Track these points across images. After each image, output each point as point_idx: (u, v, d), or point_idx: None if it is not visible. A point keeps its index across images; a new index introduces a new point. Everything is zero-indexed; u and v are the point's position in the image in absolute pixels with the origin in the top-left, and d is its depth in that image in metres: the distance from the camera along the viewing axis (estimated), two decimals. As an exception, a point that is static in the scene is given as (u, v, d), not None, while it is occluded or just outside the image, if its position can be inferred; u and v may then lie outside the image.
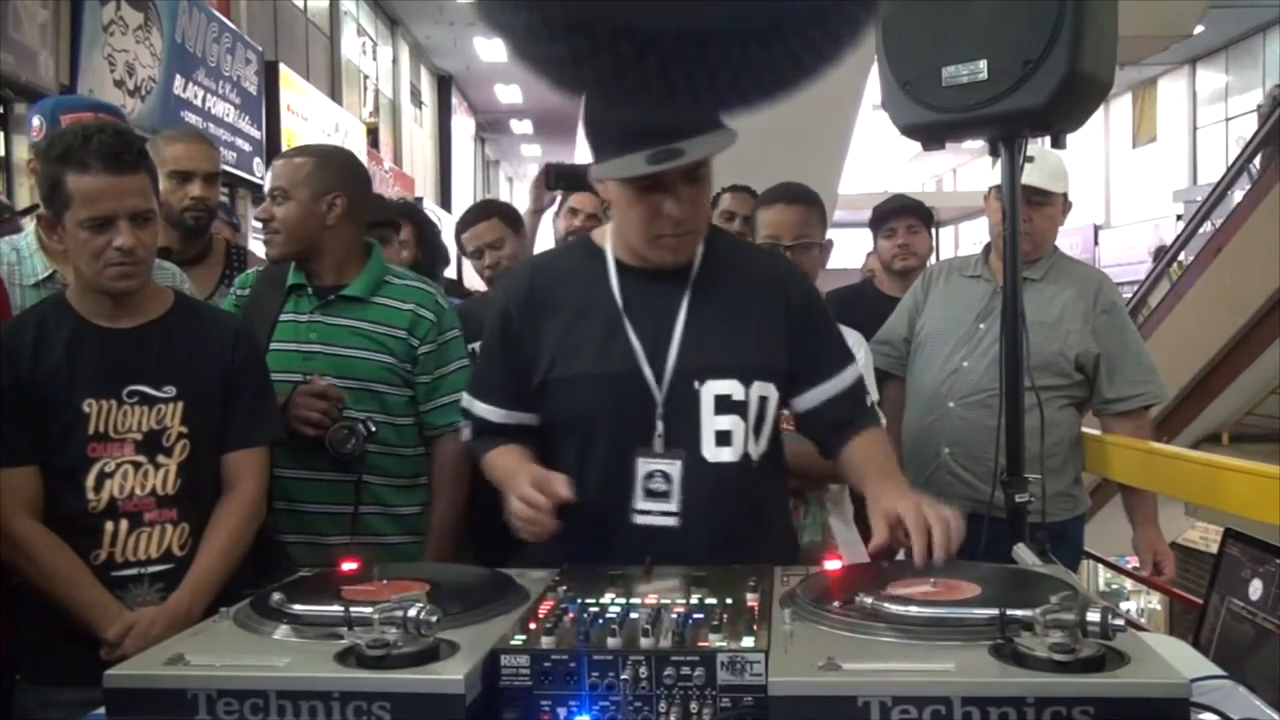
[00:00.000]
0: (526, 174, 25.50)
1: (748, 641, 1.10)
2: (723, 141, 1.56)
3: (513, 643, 1.13)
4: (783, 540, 1.86)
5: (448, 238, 3.62)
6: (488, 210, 3.27)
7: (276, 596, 1.22)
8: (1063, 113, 2.13)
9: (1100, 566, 6.11)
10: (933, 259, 3.45)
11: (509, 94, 19.75)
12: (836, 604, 1.21)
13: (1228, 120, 18.57)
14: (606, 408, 1.68)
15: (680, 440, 1.66)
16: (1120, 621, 1.05)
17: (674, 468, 1.65)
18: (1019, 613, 1.08)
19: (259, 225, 2.27)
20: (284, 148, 9.40)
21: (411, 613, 1.11)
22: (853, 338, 2.44)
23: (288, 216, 2.16)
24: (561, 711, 1.10)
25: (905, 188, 13.16)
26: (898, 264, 3.34)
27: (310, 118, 11.69)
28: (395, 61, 17.05)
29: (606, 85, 0.55)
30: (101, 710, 1.15)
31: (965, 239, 21.26)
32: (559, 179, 3.24)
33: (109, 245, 1.79)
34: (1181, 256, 9.38)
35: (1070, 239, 17.74)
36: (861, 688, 1.02)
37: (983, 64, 2.10)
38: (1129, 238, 19.63)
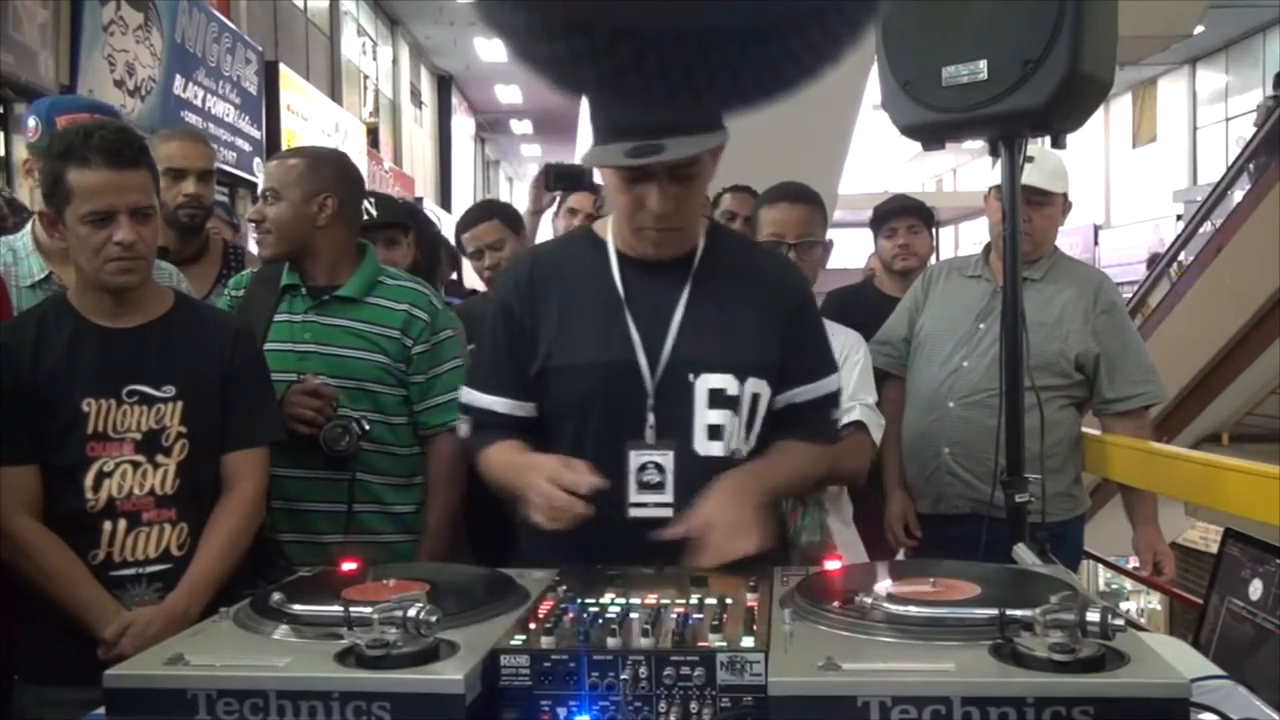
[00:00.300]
0: (526, 174, 25.51)
1: (748, 641, 1.10)
2: (706, 143, 1.56)
3: (512, 643, 1.13)
4: (772, 535, 1.86)
5: (449, 238, 3.62)
6: (488, 211, 3.27)
7: (276, 596, 1.22)
8: (1063, 113, 2.13)
9: (1100, 566, 6.12)
10: (933, 259, 3.45)
11: (509, 94, 19.76)
12: (836, 604, 1.21)
13: (1228, 120, 18.58)
14: (601, 397, 1.68)
15: (672, 432, 1.66)
16: (1120, 621, 1.05)
17: (667, 458, 1.64)
18: (1019, 613, 1.08)
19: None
20: (284, 148, 9.40)
21: (411, 613, 1.11)
22: (852, 338, 2.45)
23: (279, 217, 2.19)
24: (561, 711, 1.10)
25: (905, 188, 13.16)
26: (898, 264, 3.33)
27: (310, 118, 11.70)
28: (395, 61, 17.06)
29: (606, 85, 0.55)
30: (101, 710, 1.15)
31: (965, 239, 21.26)
32: (558, 179, 3.24)
33: (109, 240, 1.79)
34: (1181, 256, 9.39)
35: (1070, 239, 17.74)
36: (861, 688, 1.02)
37: (983, 64, 2.10)
38: (1129, 238, 19.64)
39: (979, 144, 2.58)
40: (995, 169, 2.42)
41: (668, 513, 1.62)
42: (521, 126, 22.86)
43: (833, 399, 1.81)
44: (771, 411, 1.74)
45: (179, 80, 8.32)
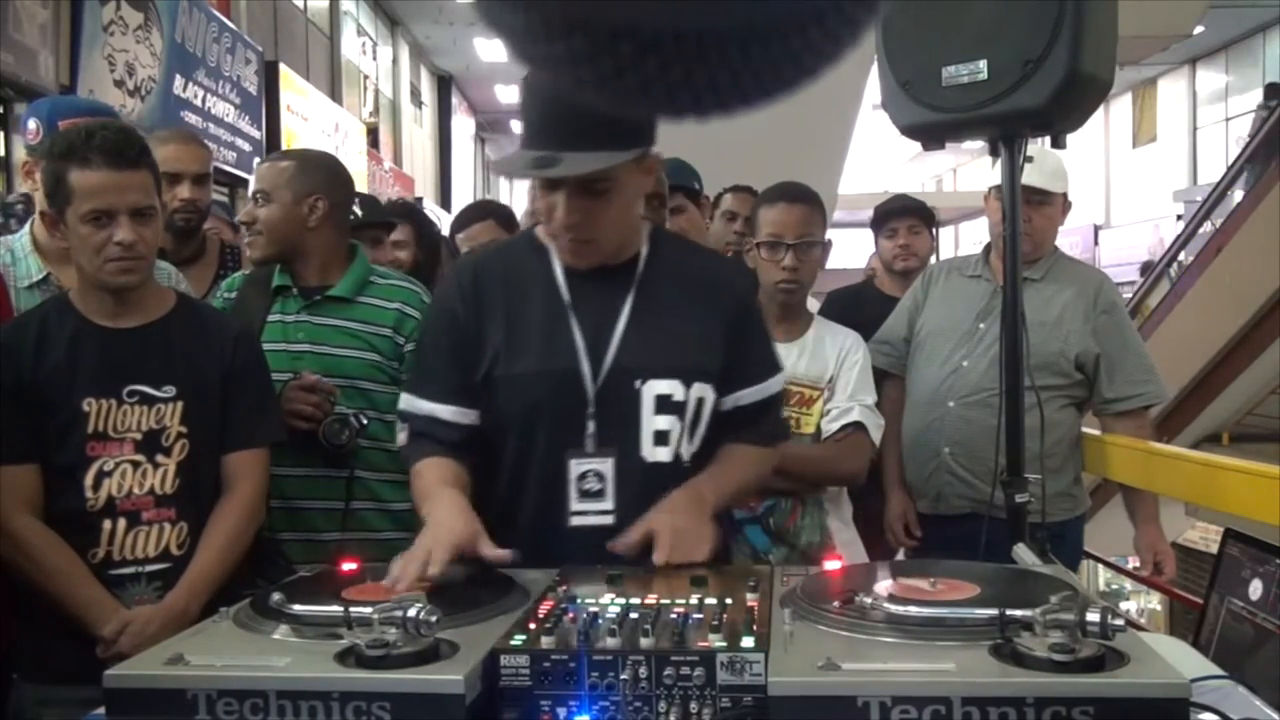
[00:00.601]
0: (526, 174, 25.40)
1: (748, 641, 1.10)
2: (607, 160, 1.54)
3: (512, 643, 1.13)
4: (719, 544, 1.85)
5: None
6: (483, 211, 3.27)
7: (276, 596, 1.22)
8: (1063, 113, 2.13)
9: (1100, 566, 6.12)
10: (933, 259, 3.45)
11: (509, 94, 19.74)
12: (836, 604, 1.21)
13: (1228, 120, 18.58)
14: (546, 405, 1.66)
15: (618, 440, 1.65)
16: (1120, 621, 1.05)
17: (606, 466, 1.64)
18: (1019, 613, 1.08)
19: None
20: (284, 148, 9.40)
21: (411, 613, 1.11)
22: (852, 338, 2.44)
23: (270, 218, 2.21)
24: (561, 711, 1.10)
25: (905, 188, 13.15)
26: (899, 264, 3.33)
27: (310, 118, 11.69)
28: (395, 61, 17.06)
29: (606, 85, 0.55)
30: (101, 710, 1.15)
31: (965, 239, 21.27)
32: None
33: (109, 240, 1.79)
34: (1181, 256, 9.39)
35: (1070, 239, 17.74)
36: (861, 688, 1.02)
37: (983, 64, 2.10)
38: (1129, 238, 19.65)
39: (979, 144, 2.58)
40: (995, 169, 2.42)
41: (609, 520, 1.62)
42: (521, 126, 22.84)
43: (778, 400, 1.81)
44: (718, 413, 1.73)
45: (179, 80, 8.31)
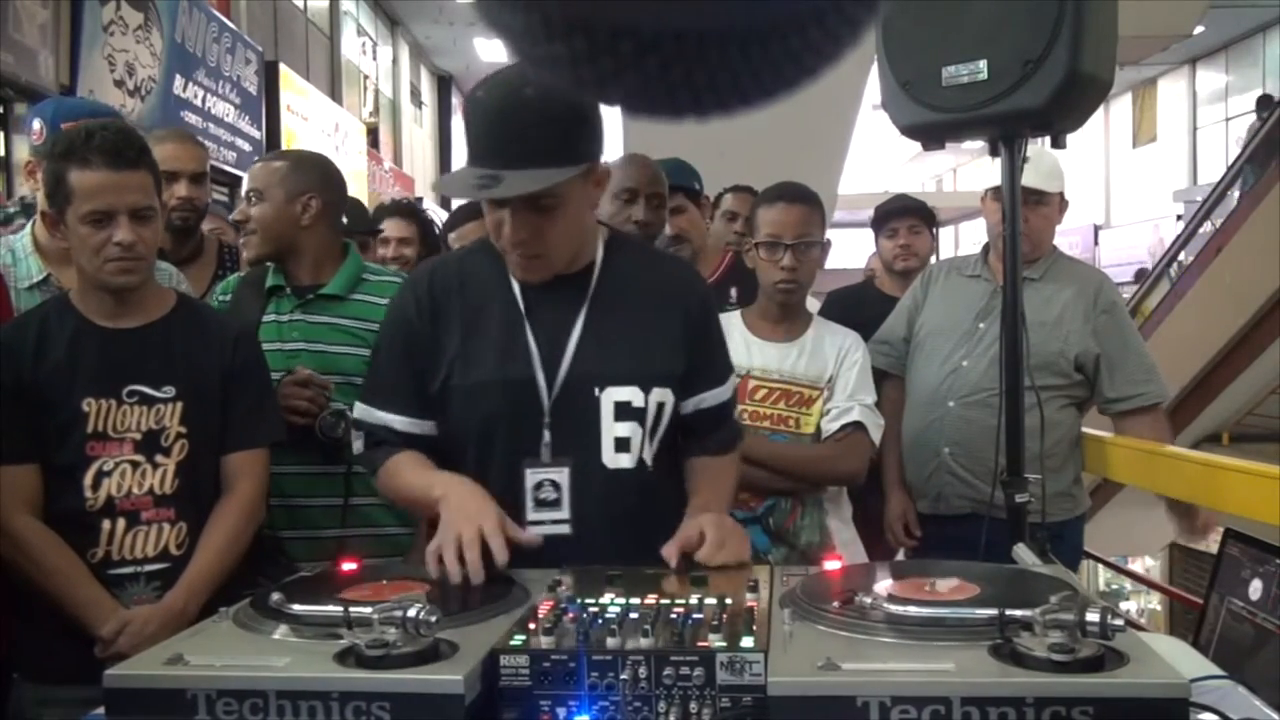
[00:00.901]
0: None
1: (747, 641, 1.10)
2: (549, 178, 1.53)
3: (512, 643, 1.13)
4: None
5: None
6: (476, 211, 3.27)
7: (276, 596, 1.22)
8: (1063, 113, 2.13)
9: (1100, 566, 6.12)
10: (933, 259, 3.45)
11: (509, 94, 19.71)
12: (836, 604, 1.21)
13: (1228, 120, 18.60)
14: (502, 415, 1.66)
15: (579, 448, 1.64)
16: (1120, 621, 1.05)
17: (561, 475, 1.63)
18: (1018, 613, 1.08)
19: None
20: (284, 148, 9.40)
21: (411, 613, 1.11)
22: (852, 338, 2.44)
23: (263, 217, 2.22)
24: (561, 711, 1.10)
25: (905, 188, 13.15)
26: (899, 264, 3.33)
27: (310, 118, 11.69)
28: (395, 61, 17.06)
29: (606, 85, 0.55)
30: (100, 710, 1.15)
31: (965, 239, 21.28)
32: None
33: (109, 240, 1.80)
34: (1181, 256, 9.39)
35: (1070, 239, 17.76)
36: (861, 688, 1.02)
37: (983, 64, 2.10)
38: (1129, 238, 19.66)
39: (979, 144, 2.58)
40: (995, 168, 2.42)
41: (564, 529, 1.62)
42: (521, 126, 22.82)
43: (734, 401, 1.83)
44: (678, 416, 1.73)
45: (179, 80, 8.32)
